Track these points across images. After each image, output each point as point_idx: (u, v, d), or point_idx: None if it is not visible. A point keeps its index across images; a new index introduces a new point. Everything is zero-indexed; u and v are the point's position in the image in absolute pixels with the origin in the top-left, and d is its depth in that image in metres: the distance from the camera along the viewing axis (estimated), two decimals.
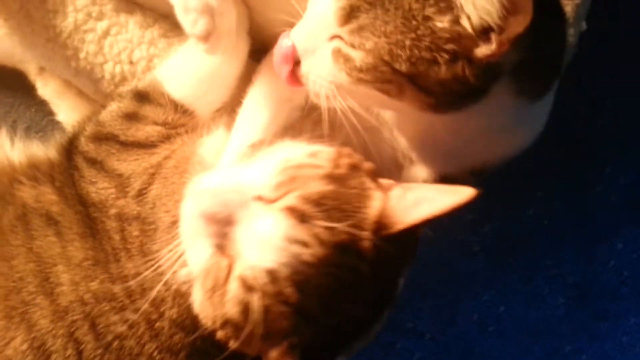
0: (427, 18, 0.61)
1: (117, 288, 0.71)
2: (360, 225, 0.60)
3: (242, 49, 0.81)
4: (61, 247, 0.73)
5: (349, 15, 0.63)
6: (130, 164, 0.75)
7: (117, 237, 0.72)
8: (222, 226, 0.59)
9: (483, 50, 0.61)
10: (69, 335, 0.70)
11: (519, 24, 0.59)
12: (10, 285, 0.72)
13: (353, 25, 0.63)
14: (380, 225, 0.61)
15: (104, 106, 0.80)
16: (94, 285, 0.71)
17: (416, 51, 0.62)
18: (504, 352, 1.36)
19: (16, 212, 0.76)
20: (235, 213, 0.59)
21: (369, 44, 0.63)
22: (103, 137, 0.77)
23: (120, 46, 0.83)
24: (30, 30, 0.81)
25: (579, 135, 1.29)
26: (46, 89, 0.92)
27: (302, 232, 0.58)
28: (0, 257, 0.73)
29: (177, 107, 0.78)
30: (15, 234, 0.74)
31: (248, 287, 0.58)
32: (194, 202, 0.61)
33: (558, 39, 0.75)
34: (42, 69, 0.91)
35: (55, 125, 0.94)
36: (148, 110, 0.77)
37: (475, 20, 0.60)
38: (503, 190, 1.19)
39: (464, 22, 0.60)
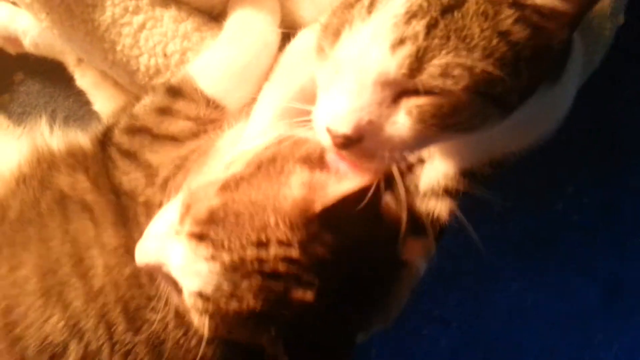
0: (503, 33, 0.54)
1: (144, 277, 0.74)
2: (264, 222, 0.60)
3: (272, 42, 0.82)
4: (96, 232, 0.76)
5: (422, 59, 0.53)
6: (160, 155, 0.77)
7: (145, 224, 0.75)
8: (162, 269, 0.64)
9: (559, 36, 0.56)
10: (101, 316, 0.73)
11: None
12: (48, 266, 0.75)
13: (433, 69, 0.53)
14: (301, 211, 0.60)
15: (137, 99, 0.82)
16: (127, 271, 0.74)
17: (503, 70, 0.54)
18: (531, 344, 1.36)
19: (54, 196, 0.79)
20: (161, 257, 0.63)
21: (462, 82, 0.53)
22: (136, 130, 0.79)
23: (155, 39, 0.84)
24: (70, 24, 0.83)
25: (612, 131, 1.27)
26: (84, 79, 0.94)
27: (205, 249, 0.60)
28: (39, 239, 0.77)
29: (209, 102, 0.80)
30: (52, 217, 0.78)
31: (199, 312, 0.62)
32: (136, 255, 0.66)
33: None
34: (80, 61, 0.93)
35: (92, 114, 0.96)
36: (181, 105, 0.79)
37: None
38: (532, 184, 1.17)
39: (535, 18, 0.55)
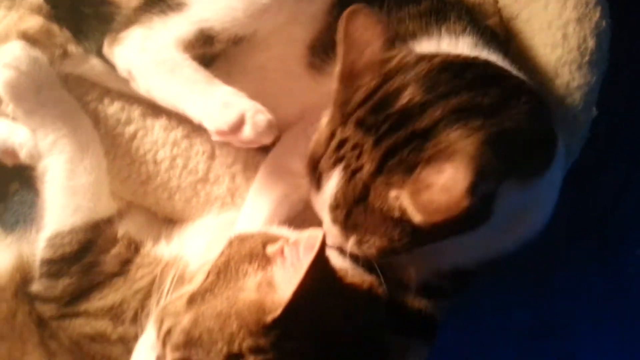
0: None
1: None
2: (233, 333, 0.60)
3: None
4: None
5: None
6: (118, 293, 0.79)
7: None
8: None
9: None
10: None
11: None
12: None
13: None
14: (261, 317, 0.61)
15: None
16: None
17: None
18: None
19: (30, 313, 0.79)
20: None
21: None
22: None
23: (146, 148, 0.88)
24: None
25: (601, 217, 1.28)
26: None
27: None
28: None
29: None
30: (30, 334, 0.78)
31: None
32: None
33: None
34: None
35: None
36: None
37: None
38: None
39: None
